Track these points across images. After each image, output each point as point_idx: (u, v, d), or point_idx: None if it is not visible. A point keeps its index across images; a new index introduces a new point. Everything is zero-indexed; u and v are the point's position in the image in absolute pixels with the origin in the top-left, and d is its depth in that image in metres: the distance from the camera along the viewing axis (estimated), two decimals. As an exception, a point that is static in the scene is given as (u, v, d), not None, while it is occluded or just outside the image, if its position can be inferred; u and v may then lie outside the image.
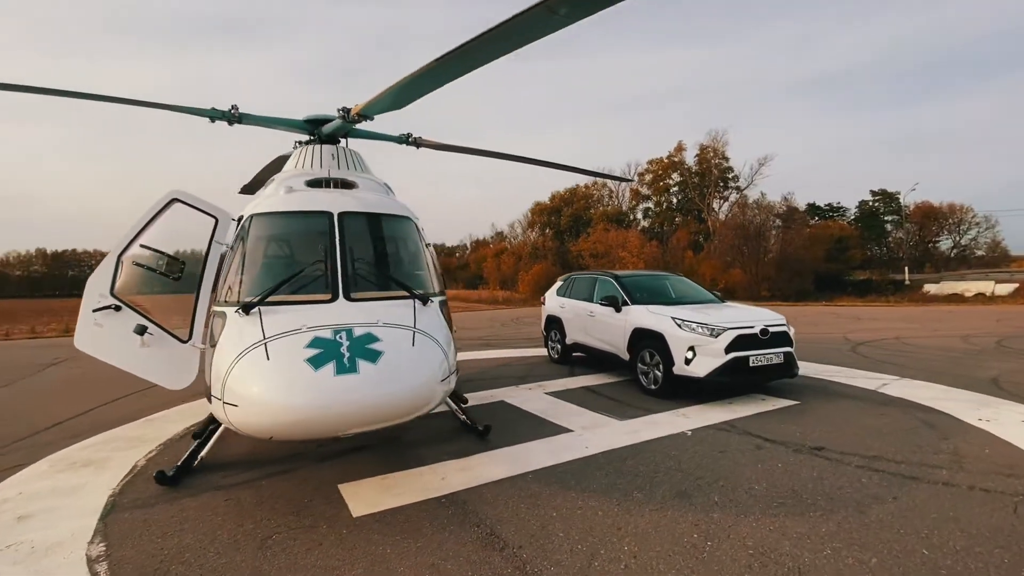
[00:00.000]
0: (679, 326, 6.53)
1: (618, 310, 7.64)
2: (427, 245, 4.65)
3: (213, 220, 4.32)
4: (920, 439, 4.97)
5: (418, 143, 7.36)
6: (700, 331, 6.37)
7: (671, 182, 55.19)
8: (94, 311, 3.83)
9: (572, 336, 9.05)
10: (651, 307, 7.21)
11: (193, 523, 3.63)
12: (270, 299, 3.42)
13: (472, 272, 70.36)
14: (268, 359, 2.80)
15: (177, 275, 4.04)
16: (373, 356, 2.87)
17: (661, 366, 6.67)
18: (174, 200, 4.24)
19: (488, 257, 64.52)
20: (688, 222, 53.14)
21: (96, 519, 3.73)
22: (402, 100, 5.16)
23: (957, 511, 3.52)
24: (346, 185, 5.36)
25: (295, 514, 3.73)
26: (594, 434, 5.36)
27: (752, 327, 6.43)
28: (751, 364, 6.28)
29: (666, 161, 54.33)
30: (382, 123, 6.91)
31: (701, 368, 6.27)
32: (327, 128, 6.27)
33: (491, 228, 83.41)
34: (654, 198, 56.96)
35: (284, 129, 6.41)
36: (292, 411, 2.65)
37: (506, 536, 3.32)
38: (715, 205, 52.75)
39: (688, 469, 4.35)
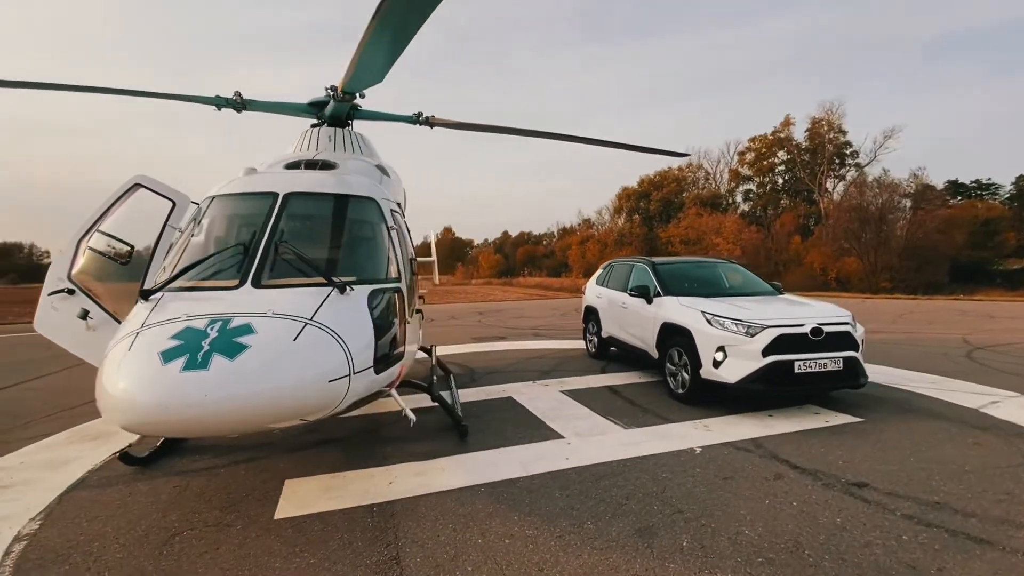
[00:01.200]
0: (708, 321, 5.57)
1: (649, 302, 6.76)
2: (391, 229, 4.26)
3: (171, 204, 4.31)
4: (1016, 483, 3.70)
5: (431, 122, 7.01)
6: (733, 328, 5.37)
7: (776, 160, 50.07)
8: (49, 294, 3.97)
9: (607, 329, 8.26)
10: (683, 299, 6.26)
11: (128, 509, 3.61)
12: (177, 285, 3.25)
13: (558, 260, 69.64)
14: (129, 351, 2.60)
15: (125, 260, 4.07)
16: (234, 351, 2.55)
17: (689, 367, 5.76)
18: (137, 185, 4.27)
19: (573, 245, 63.37)
20: (796, 204, 48.04)
21: (56, 495, 3.86)
22: (375, 69, 4.81)
23: (1032, 601, 2.45)
24: (326, 166, 5.13)
25: (223, 509, 3.58)
26: (585, 443, 4.69)
27: (801, 325, 5.29)
28: (796, 370, 5.17)
29: (771, 138, 49.35)
30: (395, 103, 6.69)
31: (732, 373, 5.28)
32: (328, 110, 6.11)
33: (577, 215, 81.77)
34: (756, 179, 52.11)
35: (290, 114, 6.35)
36: (133, 408, 2.42)
37: (407, 563, 2.87)
38: (829, 184, 47.04)
39: (671, 498, 3.57)
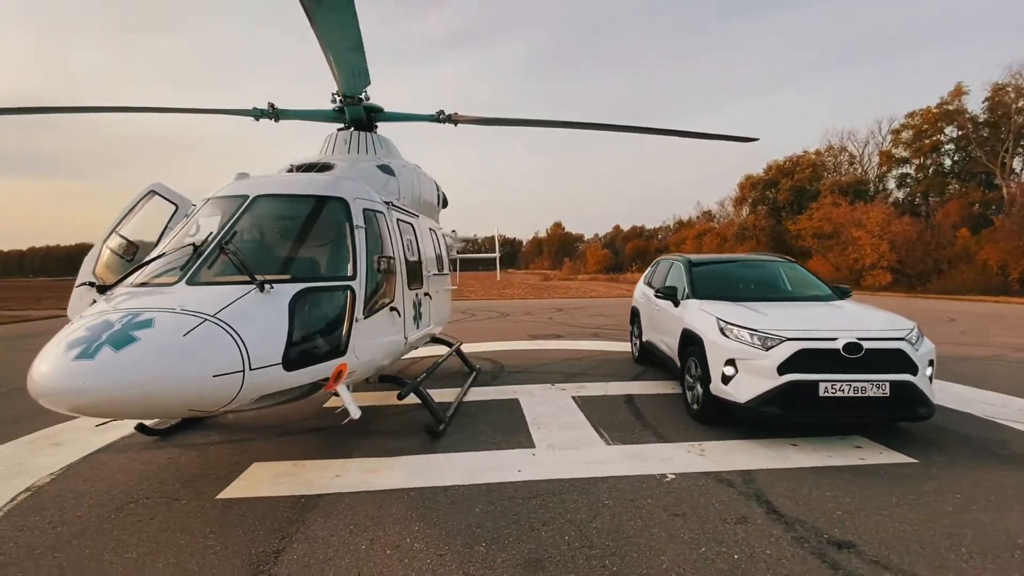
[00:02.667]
0: (721, 330, 4.84)
1: (676, 304, 6.09)
2: (356, 228, 4.32)
3: (174, 208, 4.83)
4: (1085, 574, 2.67)
5: (454, 120, 7.02)
6: (747, 339, 4.61)
7: (942, 138, 42.04)
8: (78, 286, 4.69)
9: (645, 333, 7.62)
10: (707, 303, 5.52)
11: (117, 475, 4.15)
12: (132, 282, 3.63)
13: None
14: (55, 338, 2.97)
15: (129, 258, 4.65)
16: (122, 343, 2.76)
17: (703, 381, 5.07)
18: (152, 192, 4.86)
19: (688, 239, 59.58)
20: (968, 190, 40.00)
21: (82, 456, 4.58)
22: (354, 70, 4.92)
23: None
24: (324, 168, 5.39)
25: (184, 483, 3.96)
26: (552, 456, 4.38)
27: (832, 339, 4.35)
28: (821, 394, 4.28)
29: (935, 111, 41.47)
30: (417, 104, 6.81)
31: (743, 391, 4.54)
32: (347, 116, 6.42)
33: (696, 207, 76.52)
34: (914, 161, 44.30)
35: (319, 120, 6.76)
36: (35, 388, 2.74)
37: (284, 559, 2.91)
38: (1016, 164, 38.33)
39: (592, 530, 3.17)
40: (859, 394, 4.26)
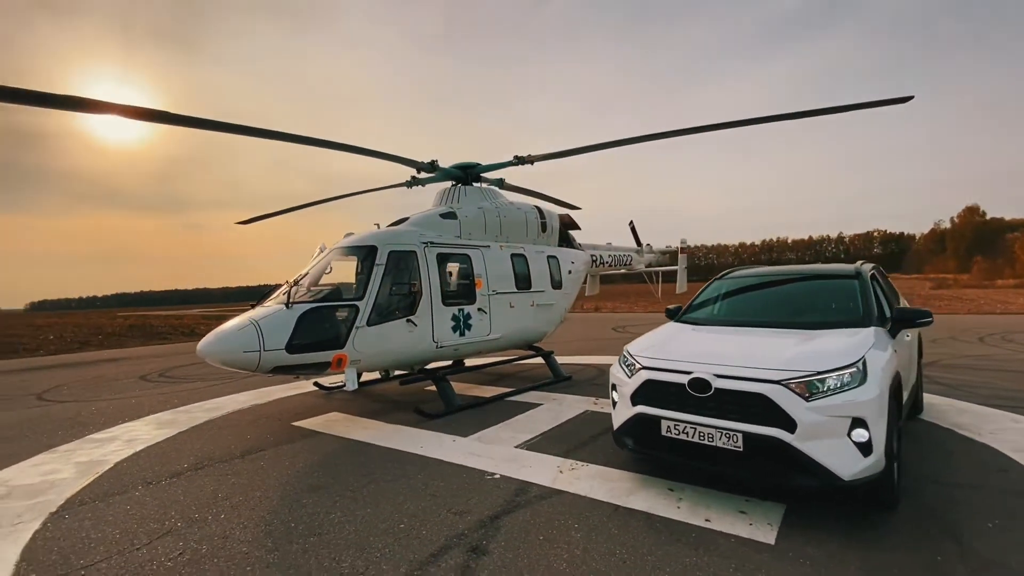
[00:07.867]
0: (622, 356, 4.61)
1: (677, 326, 5.59)
2: (376, 265, 6.41)
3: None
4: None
5: (530, 160, 8.21)
6: (625, 363, 4.33)
7: None
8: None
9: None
10: (670, 325, 5.07)
11: (281, 408, 7.52)
12: (265, 301, 6.76)
13: None
14: None
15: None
16: (219, 332, 5.67)
17: (631, 407, 4.83)
18: (320, 249, 8.21)
19: None
20: None
21: (287, 395, 8.32)
22: (392, 158, 7.06)
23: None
24: (401, 222, 7.71)
25: (294, 414, 6.93)
26: (468, 443, 5.37)
27: (687, 372, 3.68)
28: (663, 432, 3.73)
29: None
30: (499, 155, 8.30)
31: (616, 417, 4.30)
32: (450, 176, 8.60)
33: None
34: None
35: (442, 181, 9.09)
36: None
37: (256, 454, 5.31)
38: None
39: (371, 486, 4.27)
40: (704, 441, 3.53)
